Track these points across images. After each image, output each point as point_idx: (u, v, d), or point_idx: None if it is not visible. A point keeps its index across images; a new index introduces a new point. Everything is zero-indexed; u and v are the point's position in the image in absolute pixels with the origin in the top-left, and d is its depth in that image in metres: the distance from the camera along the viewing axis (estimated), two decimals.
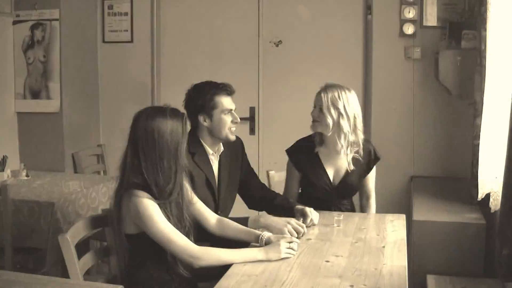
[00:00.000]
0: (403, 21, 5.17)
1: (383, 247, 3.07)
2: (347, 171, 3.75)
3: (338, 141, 3.64)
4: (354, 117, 3.64)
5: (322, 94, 3.62)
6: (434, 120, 5.19)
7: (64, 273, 2.86)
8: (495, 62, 3.96)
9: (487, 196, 4.04)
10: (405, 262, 2.86)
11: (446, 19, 5.04)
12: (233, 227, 3.14)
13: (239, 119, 3.48)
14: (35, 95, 5.47)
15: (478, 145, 4.16)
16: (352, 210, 3.99)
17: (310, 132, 3.81)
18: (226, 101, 3.43)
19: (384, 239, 3.20)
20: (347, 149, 3.68)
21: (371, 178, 3.92)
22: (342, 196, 3.87)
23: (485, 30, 4.07)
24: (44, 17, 5.38)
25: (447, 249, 3.99)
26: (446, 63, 4.79)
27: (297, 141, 3.88)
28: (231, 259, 2.81)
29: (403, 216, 3.63)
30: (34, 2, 5.39)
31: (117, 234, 2.94)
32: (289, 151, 3.85)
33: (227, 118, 3.43)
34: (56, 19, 5.36)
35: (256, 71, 5.64)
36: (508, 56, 3.75)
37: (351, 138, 3.65)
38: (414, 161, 5.27)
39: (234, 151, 3.65)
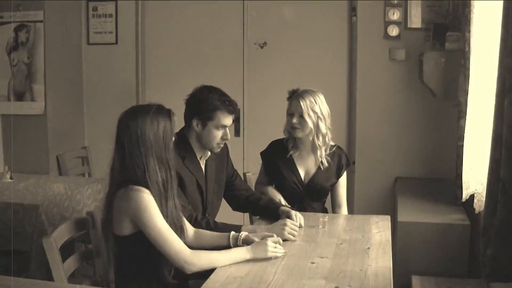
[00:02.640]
0: (388, 23, 5.19)
1: (368, 248, 3.07)
2: (316, 171, 3.90)
3: (316, 142, 3.82)
4: (328, 117, 3.85)
5: (300, 102, 3.76)
6: (418, 121, 5.22)
7: (49, 276, 2.84)
8: (479, 63, 3.98)
9: (472, 197, 4.06)
10: (390, 263, 2.86)
11: (430, 21, 5.06)
12: (208, 236, 3.10)
13: (229, 137, 3.42)
14: (19, 97, 5.43)
15: (462, 146, 4.18)
16: None
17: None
18: (224, 118, 3.35)
19: (369, 240, 3.20)
20: (322, 149, 3.85)
21: (342, 185, 4.03)
22: (311, 197, 3.95)
23: (469, 32, 4.09)
24: (28, 19, 5.35)
25: (432, 250, 4.01)
26: (430, 64, 4.81)
27: (271, 144, 4.03)
28: (222, 261, 2.80)
29: (388, 217, 3.64)
30: (18, 4, 5.35)
31: (106, 236, 2.88)
32: (263, 155, 4.00)
33: (218, 134, 3.36)
34: (40, 21, 5.33)
35: (241, 73, 5.64)
36: (491, 58, 3.76)
37: (327, 137, 3.84)
38: (399, 162, 5.29)
39: (220, 154, 3.63)
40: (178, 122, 3.07)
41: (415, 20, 5.14)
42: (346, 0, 5.43)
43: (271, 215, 3.51)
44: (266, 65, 5.60)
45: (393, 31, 5.18)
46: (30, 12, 5.35)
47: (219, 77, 5.49)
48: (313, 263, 2.86)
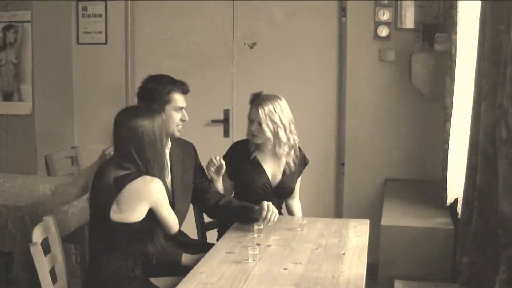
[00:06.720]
0: (378, 23, 5.14)
1: (343, 254, 3.05)
2: (283, 174, 3.90)
3: (277, 149, 3.81)
4: (289, 124, 3.83)
5: (260, 110, 3.75)
6: (408, 123, 5.18)
7: (32, 277, 2.87)
8: (464, 65, 3.94)
9: (456, 200, 4.03)
10: (363, 270, 2.84)
11: (420, 22, 5.02)
12: None
13: (187, 118, 3.49)
14: (7, 97, 5.43)
15: (447, 149, 4.14)
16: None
17: None
18: (180, 99, 3.44)
19: (345, 245, 3.19)
20: (287, 155, 3.86)
21: (299, 181, 4.09)
22: (279, 198, 3.96)
23: (455, 33, 4.05)
24: (16, 19, 5.34)
25: (415, 254, 3.96)
26: (418, 65, 4.78)
27: (233, 146, 4.04)
28: None
29: (367, 221, 3.61)
30: (6, 4, 5.34)
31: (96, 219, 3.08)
32: (225, 158, 3.89)
33: (177, 116, 3.43)
34: (28, 21, 5.33)
35: (230, 73, 5.60)
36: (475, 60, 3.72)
37: (289, 144, 3.83)
38: (389, 163, 5.26)
39: (187, 153, 3.67)
40: None
41: (408, 20, 5.09)
42: (336, 0, 5.39)
43: (246, 214, 3.53)
44: (256, 65, 5.57)
45: (383, 31, 5.13)
46: (18, 12, 5.34)
47: (209, 77, 5.50)
48: (285, 269, 2.85)
